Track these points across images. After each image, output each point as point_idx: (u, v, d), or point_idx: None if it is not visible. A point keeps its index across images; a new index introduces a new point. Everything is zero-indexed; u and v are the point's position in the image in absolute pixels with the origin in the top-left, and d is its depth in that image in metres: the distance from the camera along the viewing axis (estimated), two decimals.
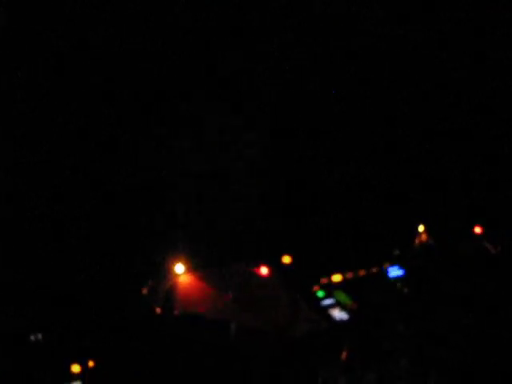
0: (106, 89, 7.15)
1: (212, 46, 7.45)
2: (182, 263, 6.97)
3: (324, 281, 7.20)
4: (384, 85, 7.69)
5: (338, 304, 7.03)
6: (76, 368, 6.26)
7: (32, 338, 6.36)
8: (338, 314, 6.96)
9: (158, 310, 6.75)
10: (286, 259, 7.27)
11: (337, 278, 7.24)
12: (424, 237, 7.68)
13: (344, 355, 6.66)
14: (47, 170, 7.02)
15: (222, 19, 7.42)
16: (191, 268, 7.00)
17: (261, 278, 7.08)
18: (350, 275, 7.26)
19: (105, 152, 7.09)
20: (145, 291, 6.86)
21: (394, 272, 7.36)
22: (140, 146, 7.22)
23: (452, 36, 7.58)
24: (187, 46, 7.40)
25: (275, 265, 7.19)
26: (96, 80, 7.11)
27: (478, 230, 7.65)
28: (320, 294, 7.11)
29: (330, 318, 6.94)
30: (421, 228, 7.69)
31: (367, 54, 7.50)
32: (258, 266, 7.12)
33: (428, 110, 7.91)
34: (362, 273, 7.29)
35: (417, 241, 7.68)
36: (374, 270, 7.36)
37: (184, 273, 6.95)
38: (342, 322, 6.91)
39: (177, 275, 6.94)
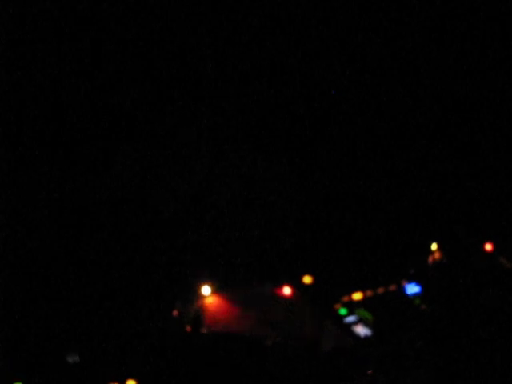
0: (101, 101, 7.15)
1: (204, 52, 7.46)
2: (209, 285, 7.11)
3: (345, 299, 7.36)
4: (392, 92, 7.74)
5: (361, 320, 7.19)
6: None
7: (69, 359, 6.43)
8: (361, 330, 7.13)
9: (189, 329, 6.87)
10: (307, 279, 7.43)
11: (357, 295, 7.41)
12: (437, 254, 7.88)
13: (368, 369, 6.81)
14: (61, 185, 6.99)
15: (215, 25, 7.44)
16: (217, 290, 7.14)
17: (284, 297, 7.23)
18: (369, 293, 7.42)
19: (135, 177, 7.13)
20: (175, 313, 6.99)
21: (412, 289, 7.54)
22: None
23: (452, 36, 7.66)
24: (178, 56, 7.40)
25: (297, 284, 7.35)
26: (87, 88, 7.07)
27: (488, 246, 7.84)
28: (342, 311, 7.27)
29: (354, 334, 7.09)
30: (434, 246, 7.88)
31: (367, 54, 7.54)
32: (281, 287, 7.27)
33: (439, 122, 7.98)
34: (380, 290, 7.47)
35: (430, 258, 7.87)
36: (392, 287, 7.54)
37: (210, 294, 7.09)
38: (366, 337, 7.07)
39: (204, 297, 7.07)
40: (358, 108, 7.68)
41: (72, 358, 6.43)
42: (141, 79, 7.26)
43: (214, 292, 7.13)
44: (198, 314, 7.00)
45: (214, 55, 7.43)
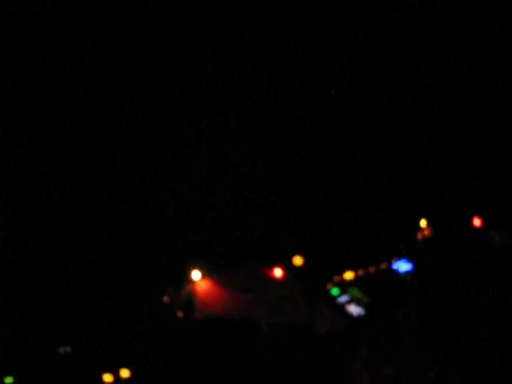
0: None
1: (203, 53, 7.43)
2: (199, 269, 7.04)
3: (337, 278, 7.32)
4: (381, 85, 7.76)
5: (354, 300, 7.16)
6: (108, 377, 6.28)
7: (61, 350, 6.35)
8: (354, 309, 7.09)
9: (180, 315, 6.80)
10: (298, 260, 7.38)
11: (349, 275, 7.37)
12: (427, 230, 7.85)
13: (362, 349, 6.79)
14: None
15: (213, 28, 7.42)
16: (207, 273, 7.07)
17: (275, 279, 7.18)
18: (361, 272, 7.39)
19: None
20: (165, 299, 6.91)
21: (403, 266, 7.52)
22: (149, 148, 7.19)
23: (452, 36, 7.68)
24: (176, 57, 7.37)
25: (288, 265, 7.29)
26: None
27: (477, 221, 7.82)
28: (334, 291, 7.23)
29: (347, 314, 7.06)
30: (423, 222, 7.85)
31: (367, 54, 7.56)
32: (272, 268, 7.21)
33: (421, 104, 8.00)
34: (372, 269, 7.44)
35: (420, 235, 7.85)
36: (383, 265, 7.51)
37: (201, 279, 7.02)
38: (359, 316, 7.04)
39: (194, 281, 7.00)
40: (358, 108, 7.65)
41: (63, 349, 6.35)
42: (141, 79, 7.18)
43: (204, 276, 7.06)
44: (189, 299, 6.93)
45: (214, 55, 7.36)
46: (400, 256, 7.65)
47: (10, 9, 6.78)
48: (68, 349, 6.34)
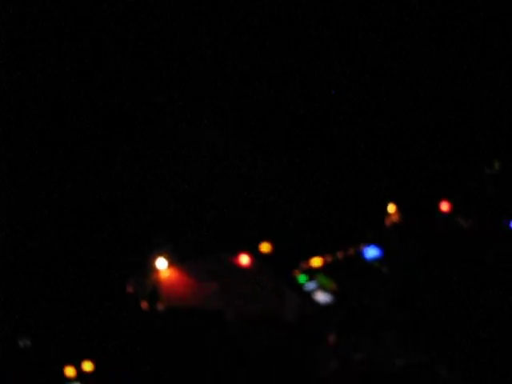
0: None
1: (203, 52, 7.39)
2: (164, 258, 6.92)
3: (304, 265, 7.26)
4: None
5: (321, 287, 7.11)
6: (70, 371, 6.16)
7: (20, 343, 6.22)
8: (321, 297, 7.04)
9: (144, 305, 6.69)
10: (265, 246, 7.31)
11: (316, 261, 7.31)
12: (395, 216, 7.82)
13: (332, 337, 6.74)
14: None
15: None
16: (173, 262, 6.96)
17: (242, 266, 7.10)
18: (328, 258, 7.34)
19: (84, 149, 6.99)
20: (129, 289, 6.79)
21: (371, 252, 7.49)
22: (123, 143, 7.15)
23: (452, 36, 7.66)
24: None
25: (255, 253, 7.22)
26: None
27: (445, 206, 7.81)
28: (302, 278, 7.17)
29: (314, 301, 7.01)
30: (391, 207, 7.82)
31: (367, 54, 7.53)
32: (238, 255, 7.13)
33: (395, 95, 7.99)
34: (340, 255, 7.39)
35: (388, 220, 7.81)
36: (351, 251, 7.46)
37: (166, 267, 6.91)
38: (326, 304, 6.99)
39: (159, 270, 6.89)
40: (358, 108, 7.62)
41: (23, 342, 6.21)
42: (141, 79, 7.09)
43: (169, 265, 6.95)
44: (154, 289, 6.81)
45: (214, 55, 7.28)
46: (368, 242, 7.61)
47: (9, 9, 6.66)
48: (28, 341, 6.21)
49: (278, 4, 7.47)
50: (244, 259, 7.14)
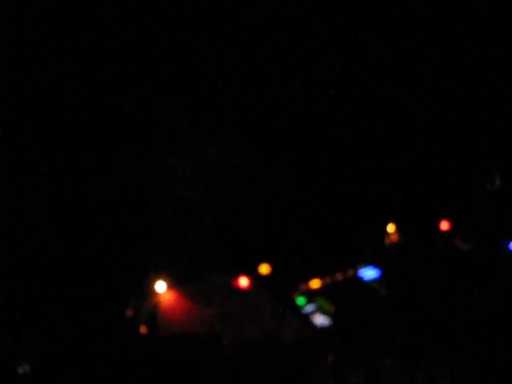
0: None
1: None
2: (163, 281, 6.95)
3: (303, 287, 7.29)
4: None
5: (319, 310, 7.13)
6: None
7: (20, 370, 6.26)
8: (319, 319, 7.06)
9: (144, 330, 6.72)
10: (264, 268, 7.33)
11: (315, 283, 7.33)
12: (394, 236, 7.83)
13: (330, 360, 6.76)
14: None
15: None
16: (172, 285, 6.99)
17: (241, 289, 7.12)
18: (327, 280, 7.36)
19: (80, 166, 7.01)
20: (129, 312, 6.83)
21: (369, 273, 7.50)
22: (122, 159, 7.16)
23: (452, 36, 7.62)
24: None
25: (254, 275, 7.24)
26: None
27: (444, 225, 7.82)
28: (301, 301, 7.19)
29: (312, 324, 7.03)
30: (390, 227, 7.83)
31: (367, 54, 7.50)
32: (238, 278, 7.16)
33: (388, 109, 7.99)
34: (339, 277, 7.40)
35: (387, 240, 7.83)
36: (350, 272, 7.48)
37: (165, 290, 6.94)
38: (324, 327, 7.02)
39: (158, 293, 6.92)
40: (358, 108, 7.62)
41: (22, 369, 6.25)
42: (141, 79, 7.11)
43: (169, 288, 6.98)
44: (154, 313, 6.84)
45: (214, 55, 7.29)
46: (366, 262, 7.62)
47: (9, 9, 6.67)
48: (27, 368, 6.25)
49: (277, 4, 7.46)
50: (243, 281, 7.16)
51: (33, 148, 6.91)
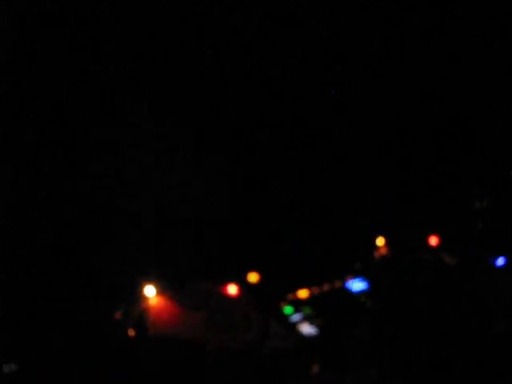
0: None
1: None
2: (153, 286, 7.01)
3: (291, 297, 7.34)
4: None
5: (306, 319, 7.18)
6: None
7: (5, 369, 6.30)
8: (306, 329, 7.12)
9: (132, 333, 6.77)
10: (253, 277, 7.39)
11: (303, 293, 7.39)
12: (383, 249, 7.90)
13: (315, 369, 6.82)
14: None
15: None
16: (161, 290, 7.05)
17: (229, 296, 7.18)
18: (315, 290, 7.42)
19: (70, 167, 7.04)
20: (118, 315, 6.88)
21: (357, 285, 7.56)
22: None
23: (452, 36, 7.65)
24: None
25: (242, 283, 7.30)
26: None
27: (433, 240, 7.89)
28: (288, 310, 7.25)
29: (298, 333, 7.09)
30: (380, 241, 7.89)
31: (367, 54, 7.53)
32: (226, 285, 7.21)
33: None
34: (326, 287, 7.46)
35: (376, 253, 7.89)
36: (338, 283, 7.54)
37: (155, 295, 7.00)
38: (310, 336, 7.07)
39: (148, 298, 6.97)
40: (358, 108, 7.66)
41: (7, 368, 6.29)
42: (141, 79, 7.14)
43: (158, 293, 7.03)
44: (142, 317, 6.89)
45: (214, 55, 7.34)
46: (355, 274, 7.68)
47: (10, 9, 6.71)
48: (12, 367, 6.29)
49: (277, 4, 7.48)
50: (232, 289, 7.22)
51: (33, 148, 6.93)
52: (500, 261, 7.61)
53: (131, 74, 7.29)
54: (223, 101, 7.49)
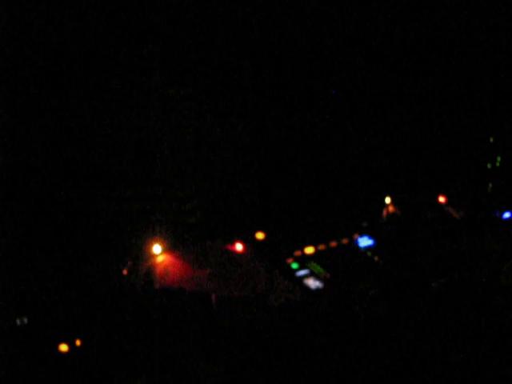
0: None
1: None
2: (160, 243, 7.14)
3: (297, 253, 7.41)
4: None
5: (312, 274, 7.24)
6: (64, 347, 6.41)
7: (18, 321, 6.47)
8: (312, 283, 7.18)
9: (139, 287, 6.91)
10: (260, 235, 7.47)
11: (309, 249, 7.46)
12: (391, 208, 7.93)
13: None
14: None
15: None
16: (168, 247, 7.17)
17: (236, 254, 7.27)
18: (322, 247, 7.48)
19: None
20: (125, 272, 7.02)
21: (364, 242, 7.60)
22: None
23: (452, 36, 7.69)
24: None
25: (249, 240, 7.39)
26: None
27: (442, 199, 7.91)
28: (294, 265, 7.32)
29: (305, 287, 7.15)
30: (387, 199, 7.93)
31: (367, 53, 7.59)
32: (233, 243, 7.31)
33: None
34: (333, 244, 7.52)
35: (384, 212, 7.93)
36: (345, 240, 7.59)
37: (162, 252, 7.12)
38: (317, 290, 7.13)
39: (155, 255, 7.10)
40: (358, 106, 7.73)
41: (20, 320, 6.47)
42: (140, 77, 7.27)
43: (164, 250, 7.16)
44: (149, 273, 7.03)
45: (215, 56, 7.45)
46: (362, 232, 7.73)
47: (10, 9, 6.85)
48: (25, 320, 6.46)
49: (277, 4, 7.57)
50: (238, 247, 7.31)
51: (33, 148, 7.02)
52: (507, 214, 7.60)
53: None
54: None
